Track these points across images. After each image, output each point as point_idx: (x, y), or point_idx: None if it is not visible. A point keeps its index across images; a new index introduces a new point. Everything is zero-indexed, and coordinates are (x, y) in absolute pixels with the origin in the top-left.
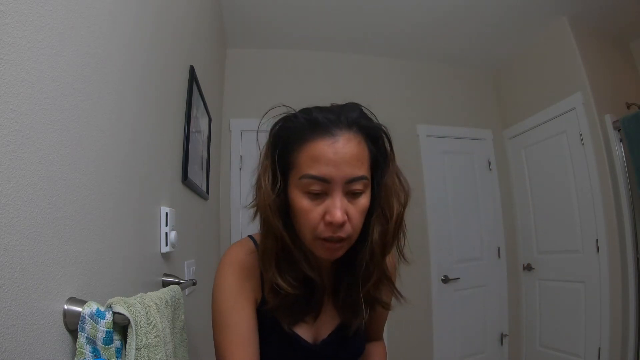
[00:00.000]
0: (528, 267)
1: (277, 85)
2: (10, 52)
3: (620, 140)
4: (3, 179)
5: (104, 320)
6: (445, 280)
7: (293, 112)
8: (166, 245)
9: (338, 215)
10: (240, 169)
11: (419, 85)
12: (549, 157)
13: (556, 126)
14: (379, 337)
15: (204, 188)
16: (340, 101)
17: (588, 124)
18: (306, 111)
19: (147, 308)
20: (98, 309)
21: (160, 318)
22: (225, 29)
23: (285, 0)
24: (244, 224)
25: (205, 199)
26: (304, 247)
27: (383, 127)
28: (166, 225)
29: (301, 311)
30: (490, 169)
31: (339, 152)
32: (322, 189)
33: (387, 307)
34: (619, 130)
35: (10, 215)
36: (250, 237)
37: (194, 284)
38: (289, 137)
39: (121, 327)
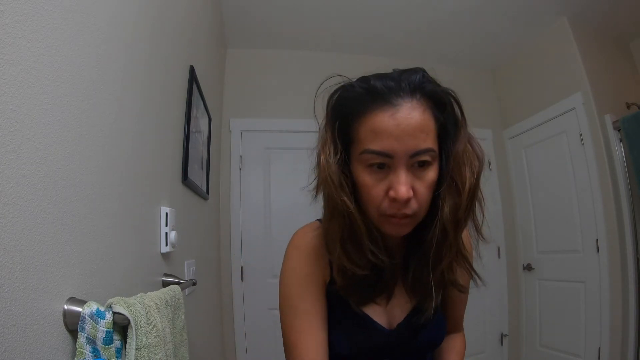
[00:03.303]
0: (528, 267)
1: (277, 85)
2: (10, 52)
3: (620, 140)
4: (3, 179)
5: (104, 320)
6: None
7: (349, 81)
8: (166, 245)
9: (402, 190)
10: (240, 169)
11: None
12: (549, 157)
13: (556, 126)
14: (457, 328)
15: (204, 188)
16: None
17: (588, 124)
18: (364, 79)
19: (147, 308)
20: (98, 309)
21: (160, 318)
22: (225, 29)
23: (286, 1)
24: (244, 224)
25: (205, 199)
26: (371, 225)
27: (451, 91)
28: (166, 225)
29: (370, 291)
30: (490, 169)
31: (402, 123)
32: (384, 163)
33: (463, 289)
34: (619, 130)
35: (10, 215)
36: (319, 220)
37: (194, 284)
38: (347, 108)
39: (121, 327)
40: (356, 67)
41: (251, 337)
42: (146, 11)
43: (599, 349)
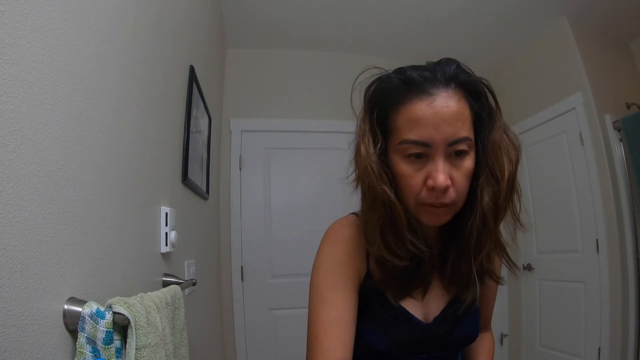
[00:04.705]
0: (528, 267)
1: (277, 85)
2: (10, 52)
3: (620, 140)
4: (3, 179)
5: (104, 320)
6: None
7: (386, 73)
8: (166, 245)
9: (441, 179)
10: (240, 169)
11: None
12: (549, 157)
13: (556, 126)
14: (486, 326)
15: (204, 188)
16: (340, 100)
17: (588, 124)
18: (400, 71)
19: (147, 308)
20: (98, 309)
21: (160, 318)
22: (225, 29)
23: (286, 1)
24: (244, 224)
25: (205, 199)
26: (410, 216)
27: (484, 81)
28: (166, 225)
29: (408, 284)
30: None
31: (438, 112)
32: (422, 153)
33: (498, 280)
34: (619, 130)
35: (10, 215)
36: (354, 213)
37: (194, 284)
38: (385, 99)
39: (121, 327)
40: (356, 67)
41: (251, 337)
42: (146, 11)
43: (599, 349)
